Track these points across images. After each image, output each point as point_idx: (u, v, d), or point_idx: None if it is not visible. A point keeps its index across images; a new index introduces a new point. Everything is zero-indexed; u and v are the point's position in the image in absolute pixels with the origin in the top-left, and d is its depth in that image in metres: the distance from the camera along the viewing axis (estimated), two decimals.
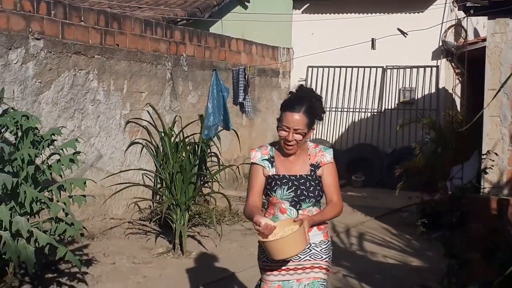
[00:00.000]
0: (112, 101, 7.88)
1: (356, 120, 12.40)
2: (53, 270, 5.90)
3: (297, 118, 3.35)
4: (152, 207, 8.24)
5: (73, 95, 7.22)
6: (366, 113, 12.37)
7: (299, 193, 3.39)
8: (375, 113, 12.28)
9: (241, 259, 6.51)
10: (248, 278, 5.53)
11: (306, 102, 3.40)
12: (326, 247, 3.47)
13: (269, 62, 11.93)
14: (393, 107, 12.13)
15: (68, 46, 7.14)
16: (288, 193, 3.40)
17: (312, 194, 3.41)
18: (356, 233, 7.82)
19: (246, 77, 8.69)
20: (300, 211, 3.38)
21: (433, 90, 11.80)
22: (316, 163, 3.48)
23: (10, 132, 4.29)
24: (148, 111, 8.44)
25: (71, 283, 5.67)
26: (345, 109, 12.49)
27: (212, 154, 8.12)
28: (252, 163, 3.53)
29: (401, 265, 6.44)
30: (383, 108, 12.22)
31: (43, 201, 4.31)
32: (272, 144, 3.60)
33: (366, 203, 9.79)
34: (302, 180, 3.43)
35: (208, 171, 7.71)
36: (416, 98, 11.92)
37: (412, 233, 7.45)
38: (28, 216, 4.38)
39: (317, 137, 12.33)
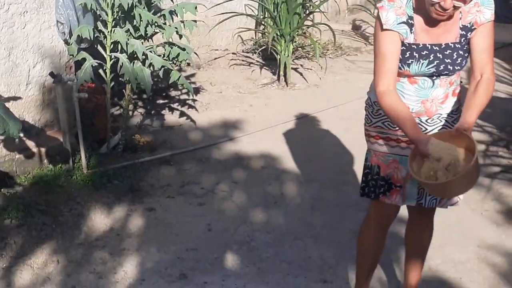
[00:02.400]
0: None
1: None
2: (164, 97, 6.13)
3: None
4: (254, 39, 8.22)
5: None
6: None
7: (442, 68, 2.47)
8: None
9: (345, 92, 6.48)
10: (354, 110, 5.51)
11: None
12: (457, 117, 2.62)
13: None
14: None
15: None
16: (428, 69, 2.48)
17: (458, 67, 2.48)
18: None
19: None
20: (436, 81, 2.52)
21: None
22: (469, 24, 2.45)
23: None
24: None
25: (182, 108, 5.87)
26: None
27: None
28: (384, 30, 2.45)
29: None
30: None
31: (157, 24, 4.34)
32: None
33: None
34: (449, 51, 2.46)
35: (311, 1, 7.48)
36: None
37: None
38: (143, 40, 4.45)
39: None
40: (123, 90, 4.78)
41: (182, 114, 5.74)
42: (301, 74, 7.15)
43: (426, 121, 2.59)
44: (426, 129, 2.59)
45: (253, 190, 4.28)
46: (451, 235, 3.67)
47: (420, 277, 2.98)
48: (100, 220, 3.79)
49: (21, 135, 4.10)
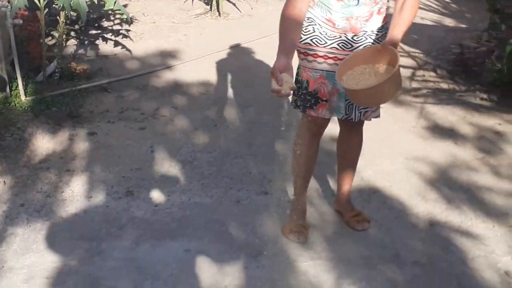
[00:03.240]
0: None
1: None
2: (96, 27, 6.07)
3: None
4: None
5: None
6: None
7: None
8: None
9: (277, 22, 6.56)
10: None
11: None
12: (382, 34, 2.72)
13: None
14: None
15: None
16: None
17: None
18: None
19: None
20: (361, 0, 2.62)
21: None
22: None
23: None
24: None
25: (116, 38, 5.84)
26: None
27: None
28: None
29: (439, 26, 6.47)
30: None
31: None
32: None
33: None
34: None
35: None
36: None
37: None
38: None
39: None
40: (58, 17, 4.72)
41: (117, 43, 5.72)
42: (234, 4, 7.17)
43: (352, 38, 2.70)
44: (352, 46, 2.70)
45: (192, 114, 4.38)
46: (382, 149, 3.91)
47: (351, 185, 3.19)
48: (42, 145, 3.82)
49: None
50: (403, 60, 5.49)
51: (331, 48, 2.71)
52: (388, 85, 2.41)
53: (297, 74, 2.85)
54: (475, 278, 2.74)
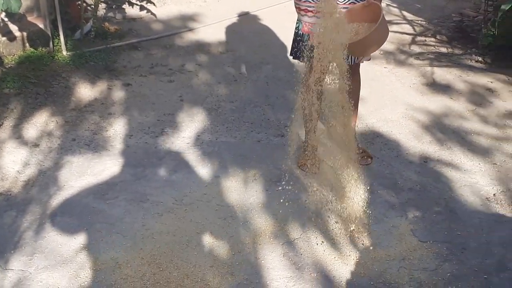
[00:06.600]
0: None
1: None
2: None
3: None
4: None
5: None
6: None
7: None
8: None
9: None
10: None
11: None
12: None
13: None
14: None
15: None
16: None
17: None
18: None
19: None
20: None
21: None
22: None
23: None
24: None
25: (141, 3, 6.30)
26: None
27: None
28: None
29: None
30: None
31: None
32: None
33: None
34: None
35: None
36: None
37: None
38: None
39: None
40: None
41: (142, 8, 6.16)
42: None
43: None
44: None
45: (215, 70, 4.87)
46: (384, 101, 4.40)
47: (356, 122, 3.66)
48: (85, 92, 4.33)
49: (6, 19, 4.53)
50: (405, 27, 5.96)
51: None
52: (372, 37, 2.85)
53: (297, 28, 3.32)
54: (460, 202, 3.25)
